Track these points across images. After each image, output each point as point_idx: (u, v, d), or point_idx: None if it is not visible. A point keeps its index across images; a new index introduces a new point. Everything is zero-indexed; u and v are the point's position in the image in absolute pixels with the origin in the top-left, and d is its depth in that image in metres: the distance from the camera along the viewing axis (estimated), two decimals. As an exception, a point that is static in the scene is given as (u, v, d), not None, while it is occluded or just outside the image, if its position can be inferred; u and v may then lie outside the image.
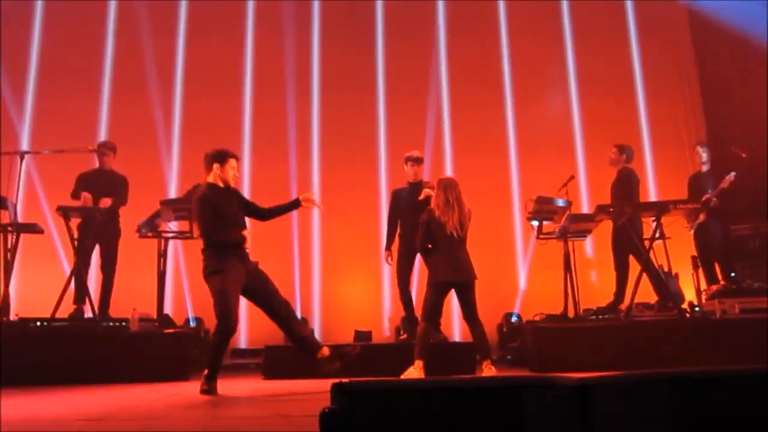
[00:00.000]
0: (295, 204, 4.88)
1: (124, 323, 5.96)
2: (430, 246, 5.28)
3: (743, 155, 6.99)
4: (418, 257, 6.24)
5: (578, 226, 6.46)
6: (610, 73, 9.17)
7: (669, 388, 1.67)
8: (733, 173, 6.70)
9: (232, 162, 4.66)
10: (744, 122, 8.00)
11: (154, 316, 6.28)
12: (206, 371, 4.45)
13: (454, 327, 8.03)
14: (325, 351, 4.63)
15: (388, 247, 6.35)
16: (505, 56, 9.26)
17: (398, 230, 6.32)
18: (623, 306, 6.32)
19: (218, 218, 4.52)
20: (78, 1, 8.78)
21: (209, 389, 4.38)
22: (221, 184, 4.64)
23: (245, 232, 4.58)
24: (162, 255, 6.43)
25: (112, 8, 8.90)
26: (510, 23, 9.35)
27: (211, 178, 4.65)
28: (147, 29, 8.71)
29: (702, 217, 6.79)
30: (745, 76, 8.27)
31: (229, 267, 4.45)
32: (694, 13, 9.14)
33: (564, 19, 9.40)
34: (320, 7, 9.30)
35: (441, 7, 9.38)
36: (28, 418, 3.56)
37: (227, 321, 4.38)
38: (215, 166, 4.62)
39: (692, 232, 6.98)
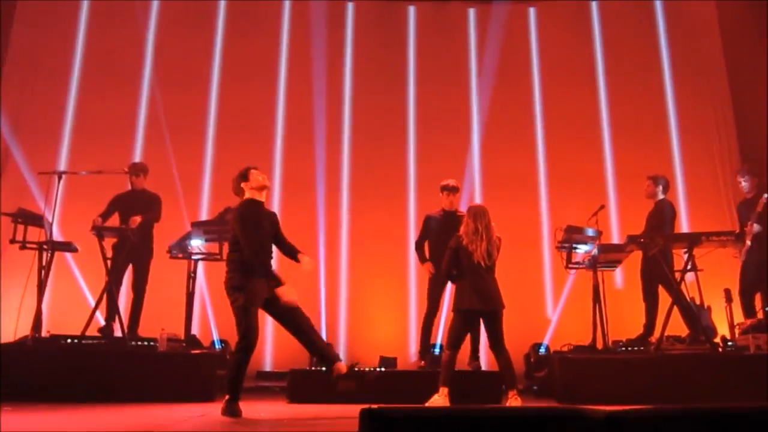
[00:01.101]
0: (295, 257, 4.86)
1: (152, 343, 6.03)
2: (455, 272, 5.24)
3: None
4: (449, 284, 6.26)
5: (608, 256, 6.39)
6: (642, 104, 9.12)
7: (701, 424, 1.64)
8: (766, 195, 6.56)
9: (254, 172, 4.76)
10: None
11: (182, 337, 6.34)
12: (227, 397, 4.45)
13: (481, 355, 7.96)
14: (342, 367, 4.62)
15: (425, 260, 6.38)
16: (537, 93, 9.27)
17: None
18: (653, 338, 6.21)
19: (255, 235, 4.57)
20: (116, 26, 9.05)
21: (232, 411, 4.39)
22: (259, 197, 4.74)
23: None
24: (191, 276, 6.52)
25: (150, 37, 9.13)
26: (542, 60, 9.37)
27: (247, 195, 4.73)
28: (184, 59, 8.99)
29: (748, 241, 6.62)
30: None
31: (252, 284, 4.50)
32: (727, 45, 9.06)
33: (596, 49, 9.40)
34: (352, 45, 9.43)
35: (473, 48, 9.47)
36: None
37: (248, 337, 4.41)
38: (243, 184, 4.73)
39: (742, 261, 6.80)
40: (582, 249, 6.44)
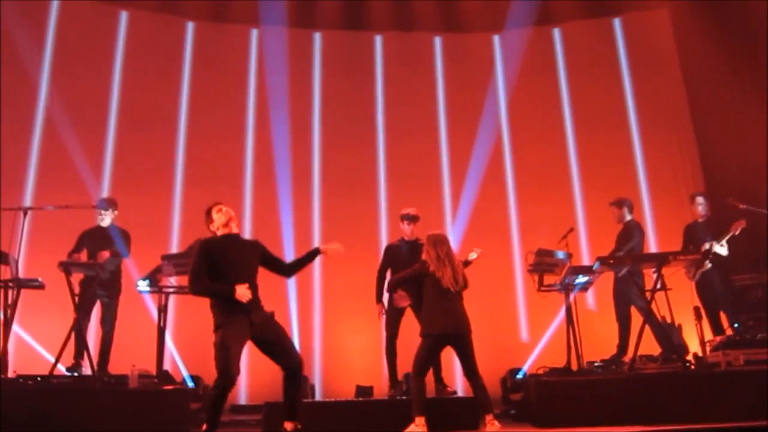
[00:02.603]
0: (315, 253, 4.88)
1: (123, 379, 5.89)
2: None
3: (741, 206, 7.05)
4: (408, 312, 6.25)
5: (579, 277, 6.45)
6: (608, 128, 9.30)
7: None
8: (744, 221, 6.72)
9: (213, 209, 4.70)
10: (741, 174, 8.07)
11: (154, 373, 6.22)
12: (204, 427, 4.39)
13: (457, 381, 7.94)
14: (290, 427, 4.53)
15: (380, 300, 6.35)
16: (504, 118, 9.43)
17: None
18: (627, 358, 6.27)
19: (224, 273, 4.50)
20: (82, 56, 8.97)
21: None
22: (229, 231, 4.66)
23: (241, 287, 4.45)
24: (162, 310, 6.41)
25: (118, 64, 9.07)
26: (507, 86, 9.54)
27: (219, 233, 4.68)
28: (151, 87, 8.95)
29: (707, 266, 6.77)
30: (743, 126, 8.39)
31: (230, 320, 4.43)
32: (687, 68, 9.31)
33: (560, 74, 9.60)
34: (320, 65, 9.50)
35: (440, 75, 9.62)
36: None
37: (226, 374, 4.33)
38: (208, 223, 4.71)
39: (694, 282, 6.97)
40: (582, 280, 6.47)
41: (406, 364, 6.68)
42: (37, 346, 7.31)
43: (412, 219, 6.38)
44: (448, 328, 5.09)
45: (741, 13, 8.46)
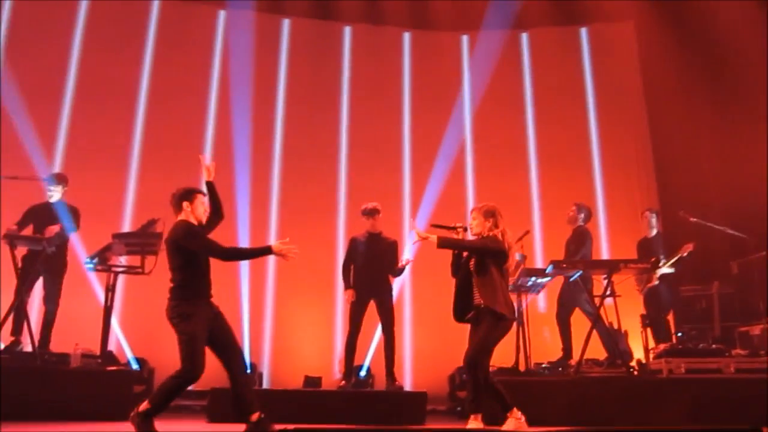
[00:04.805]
0: (266, 251, 4.55)
1: (65, 358, 5.74)
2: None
3: (691, 219, 7.24)
4: (371, 305, 6.28)
5: (531, 280, 6.54)
6: (568, 134, 9.42)
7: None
8: (692, 244, 6.87)
9: (200, 197, 4.47)
10: (695, 187, 8.28)
11: (98, 353, 6.07)
12: (147, 405, 4.18)
13: (405, 375, 8.00)
14: (254, 417, 4.34)
15: (348, 287, 6.37)
16: (467, 118, 9.47)
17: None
18: (573, 361, 6.38)
19: (193, 261, 4.33)
20: (43, 27, 8.66)
21: (145, 425, 4.14)
22: (195, 222, 4.44)
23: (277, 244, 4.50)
24: (110, 289, 6.23)
25: (79, 28, 8.80)
26: (473, 87, 9.58)
27: (183, 216, 4.42)
28: (112, 62, 8.71)
29: (654, 280, 6.94)
30: (698, 141, 8.62)
31: (198, 311, 4.27)
32: (648, 81, 9.50)
33: (525, 78, 9.69)
34: (287, 52, 9.41)
35: (406, 72, 9.62)
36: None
37: (193, 366, 4.16)
38: (185, 204, 4.41)
39: (642, 294, 7.13)
40: (538, 281, 6.52)
41: (360, 358, 6.76)
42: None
43: (371, 213, 6.40)
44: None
45: (703, 30, 8.65)
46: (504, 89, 9.56)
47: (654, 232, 7.36)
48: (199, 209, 4.46)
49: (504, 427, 4.49)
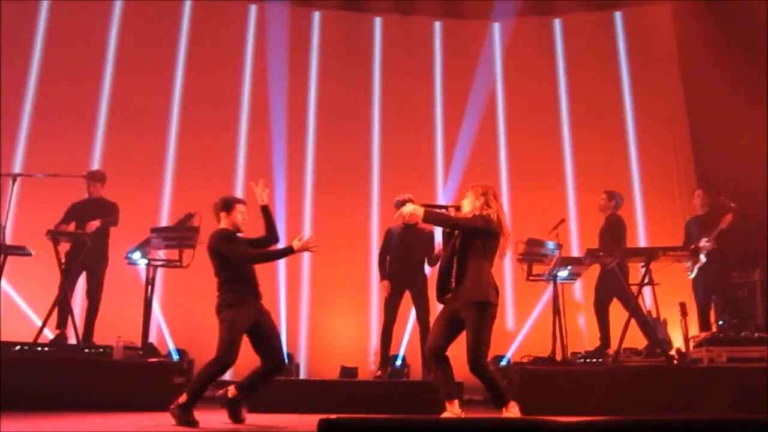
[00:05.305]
0: (288, 251, 4.78)
1: (107, 350, 5.88)
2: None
3: (732, 205, 7.07)
4: (406, 295, 6.31)
5: (568, 269, 6.48)
6: (604, 121, 9.27)
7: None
8: (730, 213, 6.75)
9: (239, 207, 4.77)
10: (734, 173, 8.09)
11: (139, 345, 6.21)
12: (185, 397, 4.39)
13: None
14: (231, 391, 4.62)
15: (384, 277, 6.43)
16: (500, 103, 9.37)
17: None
18: (611, 350, 6.31)
19: (232, 262, 4.62)
20: (78, 28, 8.85)
21: (187, 418, 4.32)
22: (232, 229, 4.73)
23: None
24: (150, 283, 6.39)
25: (113, 36, 8.95)
26: (505, 74, 9.48)
27: (222, 224, 4.75)
28: (146, 61, 8.86)
29: (702, 260, 6.76)
30: (737, 125, 8.41)
31: (244, 302, 4.55)
32: (685, 65, 9.29)
33: (559, 64, 9.55)
34: (318, 45, 9.42)
35: (438, 61, 9.54)
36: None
37: (229, 353, 4.41)
38: (222, 214, 4.75)
39: (692, 277, 6.96)
40: (571, 271, 6.50)
41: (396, 348, 6.80)
42: (28, 312, 7.32)
43: (403, 205, 6.38)
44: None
45: (741, 13, 8.44)
46: (536, 77, 9.45)
47: (704, 210, 7.20)
48: (237, 218, 4.74)
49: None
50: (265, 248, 4.89)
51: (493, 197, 4.46)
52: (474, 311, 4.16)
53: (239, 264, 4.63)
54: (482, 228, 4.30)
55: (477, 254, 4.28)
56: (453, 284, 4.33)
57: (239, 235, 4.78)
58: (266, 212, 4.86)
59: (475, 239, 4.31)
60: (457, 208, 4.55)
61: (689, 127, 9.15)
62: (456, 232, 4.44)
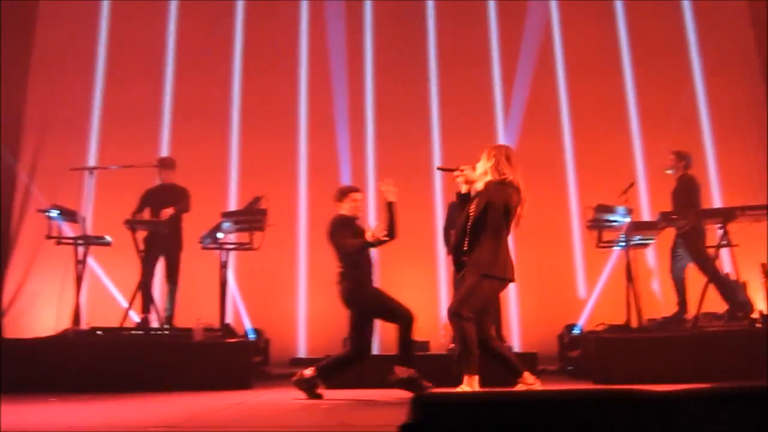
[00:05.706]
0: (368, 244, 4.96)
1: (188, 333, 6.11)
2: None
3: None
4: None
5: (640, 234, 6.33)
6: (670, 73, 8.89)
7: (758, 403, 1.61)
8: None
9: (353, 195, 5.14)
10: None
11: (217, 326, 6.41)
12: (313, 371, 4.91)
13: (514, 335, 7.98)
14: (401, 372, 4.86)
15: (450, 252, 6.39)
16: (561, 78, 9.07)
17: None
18: (689, 316, 6.15)
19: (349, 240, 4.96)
20: (137, 27, 9.09)
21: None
22: (348, 215, 5.09)
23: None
24: (223, 266, 6.58)
25: (171, 34, 9.14)
26: (566, 48, 9.16)
27: (340, 211, 5.11)
28: (204, 57, 9.01)
29: None
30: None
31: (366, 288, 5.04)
32: (757, 10, 8.79)
33: (621, 35, 9.12)
34: (372, 41, 9.32)
35: (494, 39, 9.29)
36: (102, 424, 3.69)
37: (405, 310, 4.98)
38: (337, 203, 5.13)
39: None
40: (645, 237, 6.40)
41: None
42: (117, 294, 7.62)
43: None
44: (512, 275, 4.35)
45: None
46: (600, 47, 9.09)
47: None
48: (349, 206, 5.11)
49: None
50: (382, 243, 5.04)
51: (506, 159, 4.34)
52: (473, 275, 4.21)
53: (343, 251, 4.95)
54: (497, 203, 4.25)
55: (490, 226, 4.24)
56: (465, 255, 4.35)
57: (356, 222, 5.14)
58: (390, 209, 5.02)
59: (488, 213, 4.26)
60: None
61: (762, 73, 8.70)
62: (471, 198, 4.43)
